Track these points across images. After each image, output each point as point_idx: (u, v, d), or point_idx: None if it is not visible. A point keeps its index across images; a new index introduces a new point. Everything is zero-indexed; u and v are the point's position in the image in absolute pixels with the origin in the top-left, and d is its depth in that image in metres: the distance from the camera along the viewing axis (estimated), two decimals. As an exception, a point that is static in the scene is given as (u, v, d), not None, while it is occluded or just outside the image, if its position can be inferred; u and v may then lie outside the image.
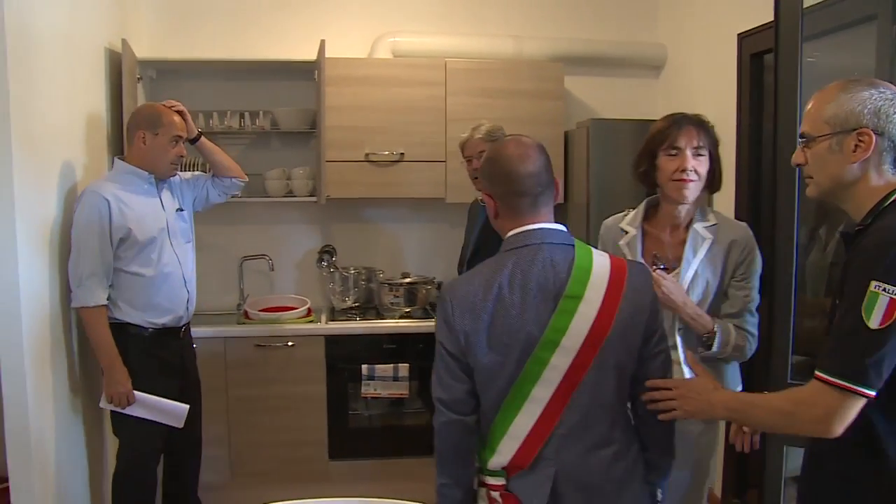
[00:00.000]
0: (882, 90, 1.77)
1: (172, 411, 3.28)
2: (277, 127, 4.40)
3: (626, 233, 2.66)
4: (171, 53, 4.36)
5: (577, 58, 4.67)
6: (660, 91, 4.87)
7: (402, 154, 4.33)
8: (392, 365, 4.10)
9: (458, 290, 1.98)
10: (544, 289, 1.94)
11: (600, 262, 2.00)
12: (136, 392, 3.18)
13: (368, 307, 4.55)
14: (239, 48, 4.47)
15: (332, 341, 4.13)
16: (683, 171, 2.49)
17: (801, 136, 1.87)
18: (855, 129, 1.76)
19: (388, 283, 4.35)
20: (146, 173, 3.28)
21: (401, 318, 4.30)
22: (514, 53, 4.58)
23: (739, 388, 2.68)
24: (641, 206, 2.70)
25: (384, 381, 4.10)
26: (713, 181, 2.59)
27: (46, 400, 2.99)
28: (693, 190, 2.52)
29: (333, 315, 4.41)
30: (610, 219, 2.79)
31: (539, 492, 1.97)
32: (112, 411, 3.25)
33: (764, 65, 3.80)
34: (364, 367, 4.09)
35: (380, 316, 4.38)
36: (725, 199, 3.95)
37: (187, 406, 3.32)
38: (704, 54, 4.31)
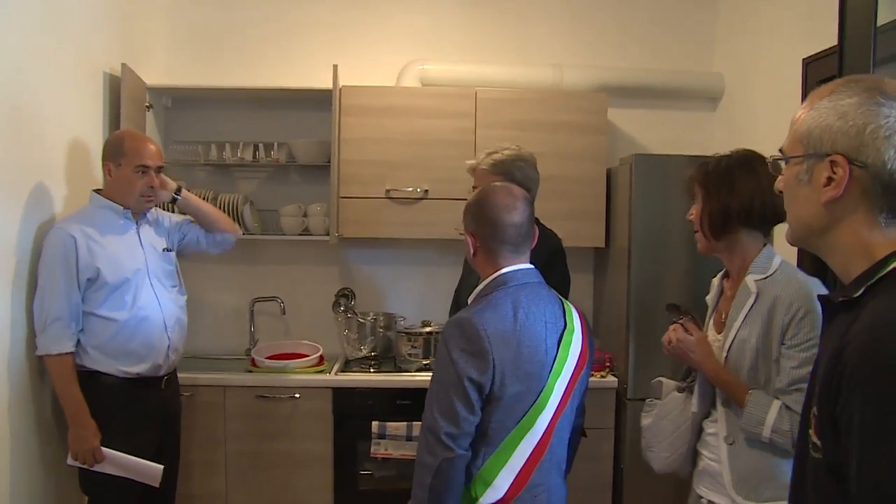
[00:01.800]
0: (882, 101, 1.21)
1: (145, 471, 2.94)
2: (294, 160, 4.09)
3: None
4: (187, 81, 4.11)
5: (624, 88, 4.26)
6: (717, 124, 4.41)
7: (426, 191, 3.96)
8: (406, 423, 3.68)
9: (490, 320, 2.01)
10: (553, 322, 2.11)
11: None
12: (104, 449, 2.85)
13: (386, 357, 4.15)
14: (259, 77, 4.20)
15: (341, 394, 3.74)
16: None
17: (780, 151, 1.37)
18: (828, 155, 1.24)
19: (407, 332, 3.95)
20: (121, 207, 2.99)
21: (418, 370, 3.89)
22: (554, 83, 4.19)
23: None
24: None
25: (396, 441, 3.69)
26: (702, 226, 2.24)
27: (2, 455, 2.69)
28: (699, 239, 2.28)
29: (347, 365, 4.03)
30: None
31: None
32: (80, 467, 2.92)
33: (832, 93, 3.32)
34: (374, 423, 3.68)
35: (397, 368, 3.98)
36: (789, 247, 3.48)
37: (161, 467, 2.97)
38: (767, 83, 3.85)
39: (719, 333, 2.23)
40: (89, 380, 2.87)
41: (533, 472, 2.05)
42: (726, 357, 2.15)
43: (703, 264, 3.69)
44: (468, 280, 3.20)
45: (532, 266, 2.18)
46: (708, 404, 2.25)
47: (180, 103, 4.22)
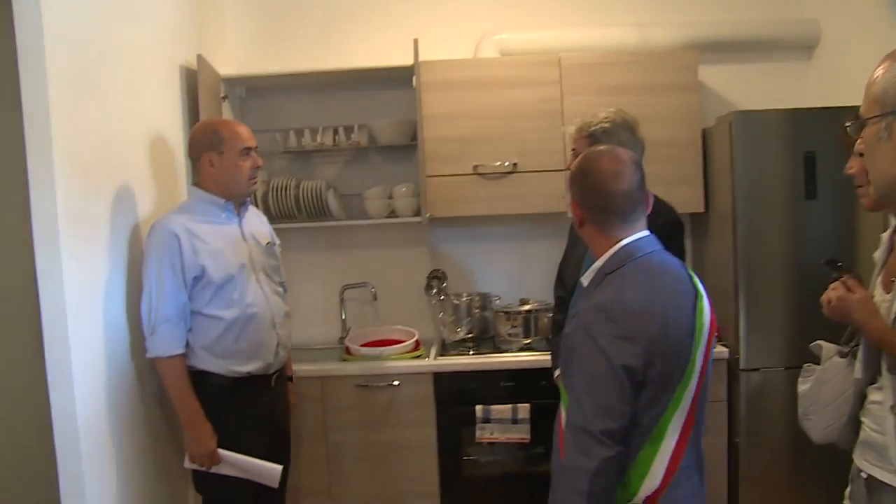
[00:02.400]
0: None
1: (263, 472, 2.87)
2: (375, 142, 3.98)
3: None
4: (260, 68, 4.02)
5: (711, 44, 4.02)
6: (812, 75, 4.17)
7: (514, 164, 3.82)
8: (510, 405, 3.58)
9: (633, 298, 1.87)
10: (685, 292, 1.95)
11: None
12: (222, 451, 2.79)
13: (484, 339, 4.04)
14: (332, 58, 4.08)
15: (442, 379, 3.64)
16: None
17: (856, 117, 1.47)
18: None
19: (505, 312, 3.82)
20: (222, 200, 2.89)
21: (519, 350, 3.77)
22: (638, 43, 3.99)
23: None
24: None
25: (502, 424, 3.58)
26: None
27: (111, 461, 2.64)
28: (864, 195, 2.08)
29: (445, 349, 3.93)
30: None
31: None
32: (196, 469, 2.87)
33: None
34: (478, 408, 3.58)
35: (496, 349, 3.86)
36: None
37: (279, 467, 2.90)
38: (870, 25, 3.61)
39: (888, 293, 2.00)
40: (198, 380, 2.81)
41: (684, 452, 1.92)
42: (895, 319, 1.94)
43: (812, 224, 3.52)
44: (574, 252, 3.06)
45: (650, 233, 2.01)
46: (873, 370, 2.02)
47: (254, 92, 4.14)
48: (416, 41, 3.56)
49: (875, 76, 1.37)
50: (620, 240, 1.96)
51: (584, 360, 1.86)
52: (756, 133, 3.54)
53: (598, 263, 1.99)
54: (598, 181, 1.96)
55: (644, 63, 3.83)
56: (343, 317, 4.18)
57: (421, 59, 3.70)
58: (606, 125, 2.80)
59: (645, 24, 4.03)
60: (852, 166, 2.07)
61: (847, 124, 1.47)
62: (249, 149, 2.89)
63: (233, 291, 2.82)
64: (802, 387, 2.25)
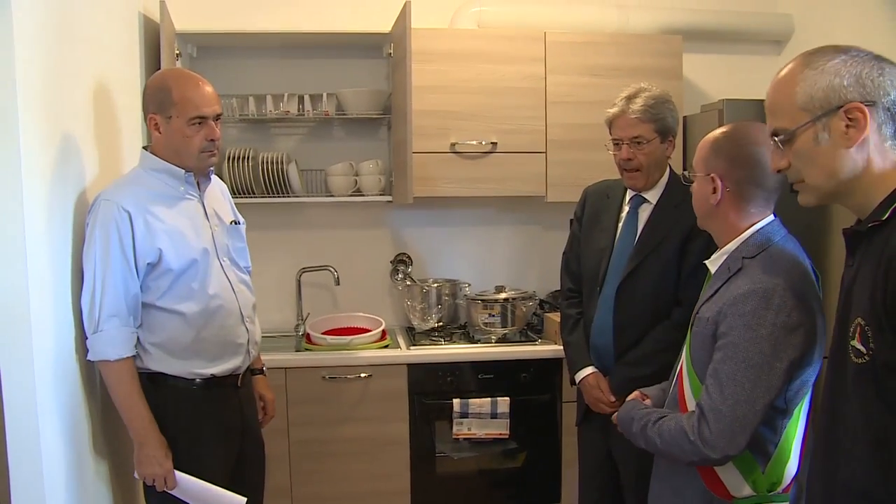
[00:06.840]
0: (854, 53, 1.45)
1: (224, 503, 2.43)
2: (343, 112, 3.66)
3: None
4: (212, 26, 3.60)
5: (686, 30, 3.89)
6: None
7: (493, 144, 3.60)
8: (490, 399, 3.37)
9: (795, 281, 1.78)
10: (814, 277, 1.88)
11: None
12: (178, 474, 2.34)
13: (454, 328, 3.82)
14: (293, 21, 3.73)
15: (416, 371, 3.39)
16: None
17: (775, 134, 1.51)
18: (840, 107, 1.42)
19: (482, 300, 3.59)
20: (181, 171, 2.41)
21: (498, 341, 3.56)
22: (618, 27, 3.85)
23: None
24: None
25: (480, 419, 3.37)
26: None
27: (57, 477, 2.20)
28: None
29: (414, 338, 3.66)
30: None
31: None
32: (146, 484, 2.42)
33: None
34: (456, 401, 3.35)
35: (469, 339, 3.63)
36: None
37: (244, 500, 2.44)
38: (841, 23, 3.62)
39: None
40: (153, 385, 2.36)
41: (808, 434, 1.94)
42: None
43: (791, 217, 3.44)
44: (593, 242, 2.81)
45: (775, 216, 1.96)
46: None
47: (206, 52, 3.72)
48: (407, 3, 3.24)
49: (777, 95, 1.47)
50: (756, 221, 1.92)
51: (736, 349, 1.77)
52: (744, 123, 3.46)
53: (732, 246, 1.93)
54: (755, 152, 1.87)
55: (629, 45, 3.69)
56: (300, 302, 3.83)
57: (397, 27, 3.42)
58: (671, 106, 2.71)
59: (625, 6, 3.88)
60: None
61: (774, 139, 1.49)
62: (205, 118, 2.36)
63: (193, 280, 2.38)
64: None
